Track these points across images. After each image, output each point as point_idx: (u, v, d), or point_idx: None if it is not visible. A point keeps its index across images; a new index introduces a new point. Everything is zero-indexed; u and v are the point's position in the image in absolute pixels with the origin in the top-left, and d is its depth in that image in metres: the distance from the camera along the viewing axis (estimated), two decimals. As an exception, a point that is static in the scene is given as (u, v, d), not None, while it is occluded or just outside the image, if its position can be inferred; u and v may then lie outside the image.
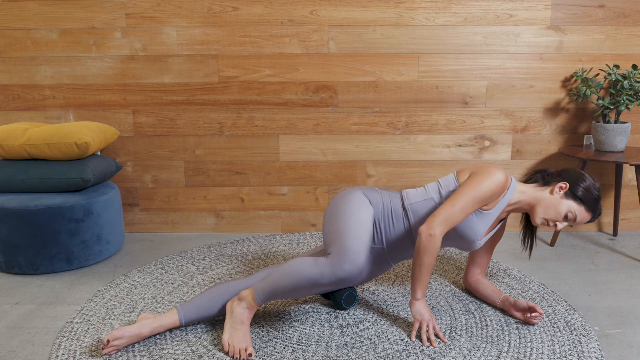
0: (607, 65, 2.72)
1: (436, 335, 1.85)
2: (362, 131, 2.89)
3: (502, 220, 2.04)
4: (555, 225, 1.86)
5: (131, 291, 2.23)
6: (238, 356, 1.72)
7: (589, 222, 1.89)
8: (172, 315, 1.86)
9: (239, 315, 1.80)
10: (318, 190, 2.96)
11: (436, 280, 2.33)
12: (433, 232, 1.77)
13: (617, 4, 2.75)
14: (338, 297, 2.04)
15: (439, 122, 2.88)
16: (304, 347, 1.80)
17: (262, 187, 2.97)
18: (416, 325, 1.85)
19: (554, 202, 1.85)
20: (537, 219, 1.88)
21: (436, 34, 2.78)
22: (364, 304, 2.11)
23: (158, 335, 1.87)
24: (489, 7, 2.75)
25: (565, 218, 1.85)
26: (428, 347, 1.79)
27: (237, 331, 1.78)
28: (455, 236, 1.93)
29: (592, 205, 1.85)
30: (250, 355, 1.71)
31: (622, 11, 2.76)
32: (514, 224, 3.02)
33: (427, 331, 1.83)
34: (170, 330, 1.91)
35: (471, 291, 2.18)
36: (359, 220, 1.86)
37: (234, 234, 3.02)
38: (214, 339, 1.85)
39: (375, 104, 2.86)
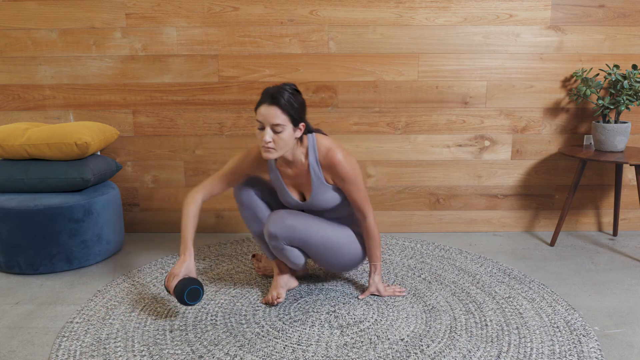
0: (607, 65, 2.72)
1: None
2: (362, 131, 2.89)
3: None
4: (265, 142, 1.89)
5: (131, 291, 2.23)
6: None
7: (267, 105, 1.88)
8: None
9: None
10: (318, 190, 2.96)
11: (436, 280, 2.33)
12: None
13: (617, 4, 2.75)
14: (180, 292, 1.89)
15: (439, 122, 2.88)
16: (304, 347, 1.80)
17: (262, 187, 2.97)
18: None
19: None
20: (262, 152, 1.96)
21: (436, 34, 2.78)
22: (364, 304, 2.11)
23: (158, 335, 1.87)
24: (489, 7, 2.75)
25: (261, 128, 1.90)
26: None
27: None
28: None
29: (260, 99, 1.92)
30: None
31: (622, 11, 2.76)
32: (514, 224, 3.02)
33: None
34: (171, 330, 1.91)
35: None
36: None
37: (234, 234, 3.02)
38: (214, 339, 1.85)
39: (375, 104, 2.86)
